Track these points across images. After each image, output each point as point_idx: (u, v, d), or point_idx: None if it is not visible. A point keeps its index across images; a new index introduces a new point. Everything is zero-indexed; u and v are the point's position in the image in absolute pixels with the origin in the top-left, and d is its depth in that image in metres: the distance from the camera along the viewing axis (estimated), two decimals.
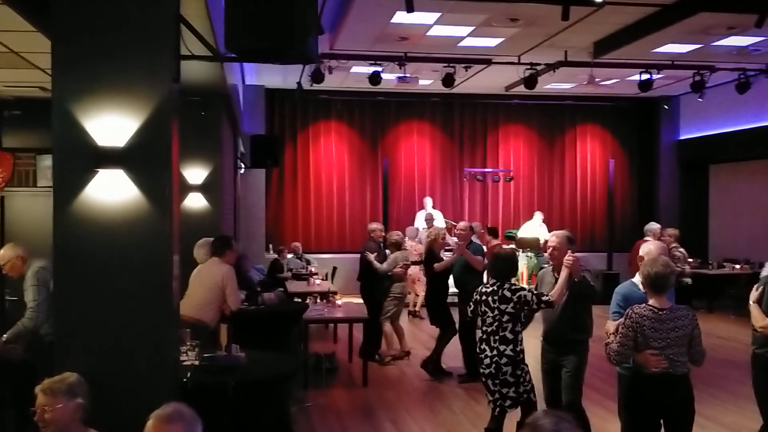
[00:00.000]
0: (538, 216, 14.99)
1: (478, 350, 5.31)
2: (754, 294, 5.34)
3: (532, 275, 14.44)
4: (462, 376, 7.98)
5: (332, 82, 12.66)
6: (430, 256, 8.34)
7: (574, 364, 5.24)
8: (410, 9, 7.76)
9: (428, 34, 10.31)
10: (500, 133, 16.44)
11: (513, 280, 5.37)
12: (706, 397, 7.32)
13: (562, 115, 16.54)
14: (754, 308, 5.24)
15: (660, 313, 4.14)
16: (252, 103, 14.35)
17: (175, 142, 4.14)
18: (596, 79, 12.93)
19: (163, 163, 4.03)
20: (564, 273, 5.05)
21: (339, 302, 8.43)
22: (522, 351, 5.15)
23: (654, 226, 9.97)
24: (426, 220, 13.19)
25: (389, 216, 14.36)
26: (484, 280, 8.43)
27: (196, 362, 4.81)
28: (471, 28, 10.08)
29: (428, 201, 14.78)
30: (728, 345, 10.10)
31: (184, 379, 4.39)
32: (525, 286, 5.33)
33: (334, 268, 12.97)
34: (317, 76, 11.42)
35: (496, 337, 5.11)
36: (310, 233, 15.52)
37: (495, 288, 5.18)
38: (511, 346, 5.09)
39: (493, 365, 5.09)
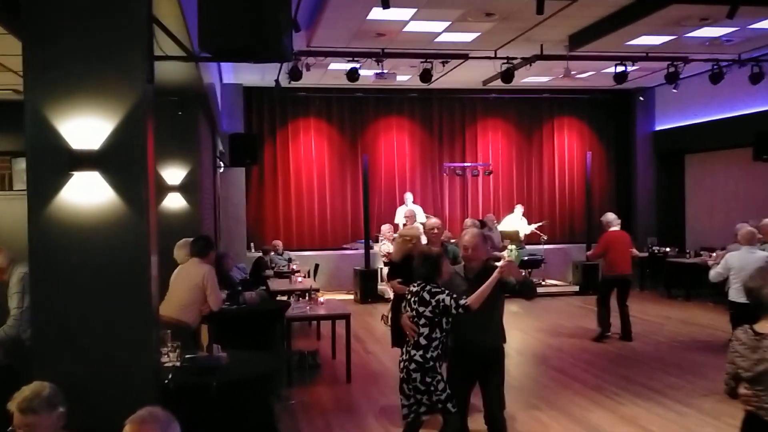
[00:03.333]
0: (519, 209, 15.12)
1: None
2: None
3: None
4: None
5: (310, 79, 12.65)
6: (404, 265, 6.33)
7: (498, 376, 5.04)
8: (386, 5, 7.78)
9: (405, 29, 10.33)
10: (479, 128, 16.52)
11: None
12: (685, 384, 7.43)
13: (540, 108, 16.65)
14: None
15: (754, 337, 3.41)
16: (230, 102, 14.30)
17: (151, 143, 4.12)
18: (572, 72, 13.03)
19: (140, 165, 4.01)
20: (493, 278, 4.69)
21: (321, 299, 8.43)
22: (433, 358, 4.74)
23: (611, 216, 10.06)
24: (406, 217, 12.46)
25: (370, 212, 14.39)
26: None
27: (178, 363, 4.79)
28: (447, 24, 10.11)
29: (408, 196, 14.81)
30: (707, 332, 10.24)
31: (166, 381, 4.38)
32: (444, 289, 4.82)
33: (316, 266, 12.96)
34: (295, 74, 11.41)
35: (410, 341, 4.83)
36: (291, 231, 15.51)
37: (418, 289, 4.83)
38: (421, 352, 4.73)
39: (404, 370, 4.81)
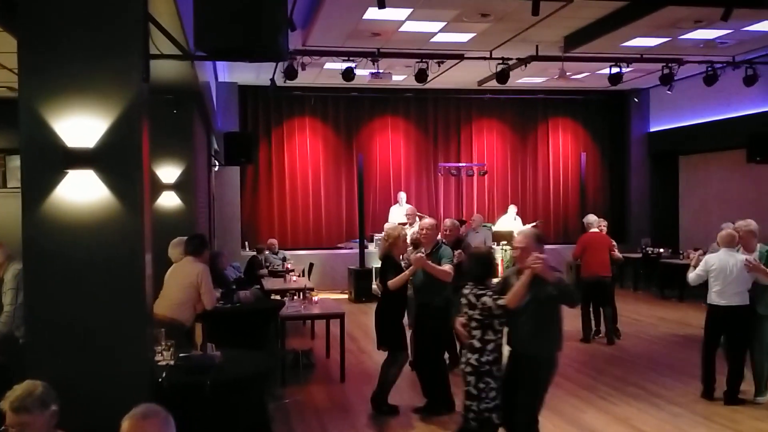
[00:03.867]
0: (512, 209, 15.14)
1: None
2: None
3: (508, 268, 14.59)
4: (420, 408, 6.59)
5: (306, 78, 12.64)
6: (387, 264, 6.60)
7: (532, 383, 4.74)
8: (382, 5, 7.78)
9: (400, 29, 10.34)
10: (473, 128, 16.54)
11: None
12: (678, 384, 7.46)
13: (534, 108, 16.68)
14: None
15: None
16: (225, 101, 14.28)
17: (145, 142, 4.12)
18: (567, 73, 13.04)
19: (134, 163, 4.01)
20: (526, 275, 4.56)
21: (315, 299, 8.43)
22: (489, 362, 4.67)
23: (592, 218, 10.05)
24: (407, 215, 12.12)
25: (365, 212, 14.39)
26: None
27: (172, 362, 4.79)
28: (443, 24, 10.13)
29: (402, 196, 14.80)
30: (700, 333, 10.23)
31: (160, 379, 4.38)
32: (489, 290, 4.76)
33: (311, 265, 12.95)
34: (290, 73, 11.39)
35: (466, 345, 4.83)
36: (286, 230, 15.51)
37: (467, 292, 4.85)
38: (476, 355, 4.69)
39: (462, 372, 4.84)
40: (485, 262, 4.90)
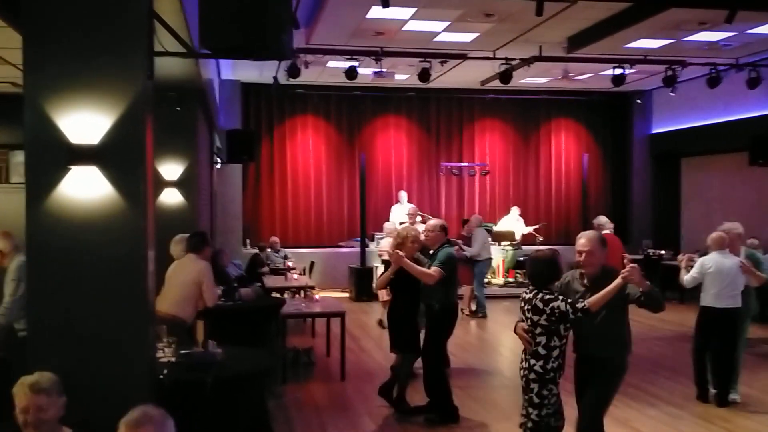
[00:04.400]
0: (515, 211, 15.16)
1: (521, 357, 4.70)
2: None
3: (510, 270, 14.59)
4: (427, 413, 6.43)
5: (308, 76, 12.65)
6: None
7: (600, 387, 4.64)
8: (386, 4, 7.78)
9: (404, 29, 10.34)
10: (476, 128, 16.54)
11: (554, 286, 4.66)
12: (679, 387, 7.46)
13: (537, 109, 16.67)
14: None
15: None
16: (228, 98, 14.29)
17: (149, 139, 4.13)
18: (570, 74, 13.06)
19: (138, 160, 4.01)
20: (618, 283, 4.35)
21: (317, 297, 8.44)
22: (554, 369, 4.50)
23: (604, 219, 10.00)
24: (409, 214, 11.92)
25: (366, 210, 14.39)
26: (459, 292, 7.81)
27: (173, 359, 4.79)
28: (446, 23, 10.13)
29: (403, 195, 14.79)
30: None
31: (161, 376, 4.38)
32: (557, 296, 4.46)
33: (312, 263, 12.97)
34: (293, 71, 11.41)
35: (530, 351, 4.55)
36: (287, 228, 15.51)
37: (530, 296, 4.54)
38: (541, 362, 4.48)
39: (523, 379, 4.59)
40: (550, 265, 4.61)
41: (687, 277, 7.07)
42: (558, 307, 4.40)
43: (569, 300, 4.43)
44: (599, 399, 4.65)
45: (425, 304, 6.42)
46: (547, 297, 4.45)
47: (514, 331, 4.67)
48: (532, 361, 4.52)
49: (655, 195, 16.66)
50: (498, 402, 6.96)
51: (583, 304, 4.37)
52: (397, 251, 6.25)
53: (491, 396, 7.27)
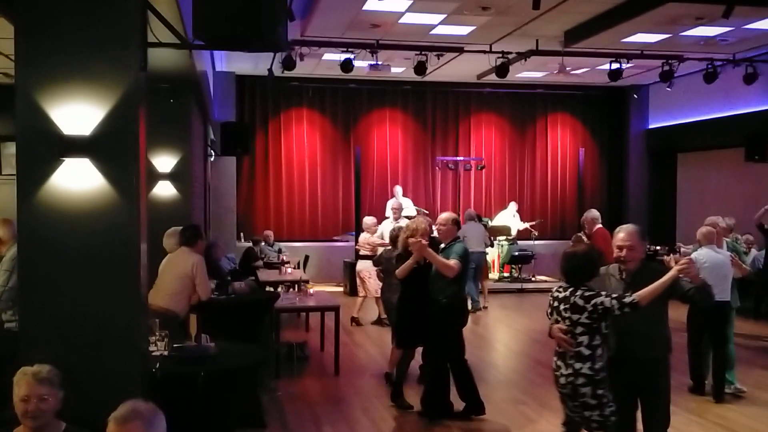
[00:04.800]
0: (512, 206, 15.13)
1: (553, 366, 4.35)
2: None
3: (505, 264, 14.59)
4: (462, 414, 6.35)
5: (304, 69, 12.59)
6: (403, 257, 6.53)
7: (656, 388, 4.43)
8: None
9: (400, 21, 10.29)
10: (472, 122, 16.51)
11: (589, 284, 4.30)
12: (672, 382, 7.41)
13: (533, 103, 16.65)
14: None
15: None
16: (222, 90, 14.20)
17: (142, 131, 4.09)
18: (567, 68, 13.00)
19: (130, 152, 3.97)
20: (671, 275, 4.08)
21: (311, 291, 8.41)
22: (603, 368, 4.18)
23: (596, 212, 10.00)
24: (393, 209, 11.45)
25: (361, 204, 14.36)
26: (467, 289, 7.43)
27: (166, 352, 4.76)
28: (443, 16, 10.08)
29: (398, 189, 14.74)
30: None
31: (153, 370, 4.36)
32: (601, 292, 4.14)
33: (306, 257, 12.94)
34: (288, 63, 11.34)
35: (571, 353, 4.19)
36: (281, 221, 15.47)
37: (567, 294, 4.23)
38: (588, 364, 4.14)
39: (569, 386, 4.21)
40: (589, 261, 4.29)
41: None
42: (602, 303, 4.08)
43: (613, 295, 4.11)
44: (662, 400, 4.47)
45: (431, 298, 6.24)
46: (588, 293, 4.14)
47: (550, 334, 4.30)
48: (578, 365, 4.15)
49: (651, 190, 16.66)
50: (492, 397, 6.94)
51: (632, 298, 4.05)
52: (421, 239, 6.14)
53: (486, 391, 7.25)
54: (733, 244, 7.50)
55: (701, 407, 6.61)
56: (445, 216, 6.57)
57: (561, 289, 4.28)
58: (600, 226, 9.67)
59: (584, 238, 9.94)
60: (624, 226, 4.44)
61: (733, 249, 7.31)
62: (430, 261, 6.20)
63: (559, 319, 4.25)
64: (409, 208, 13.87)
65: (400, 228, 7.42)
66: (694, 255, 7.00)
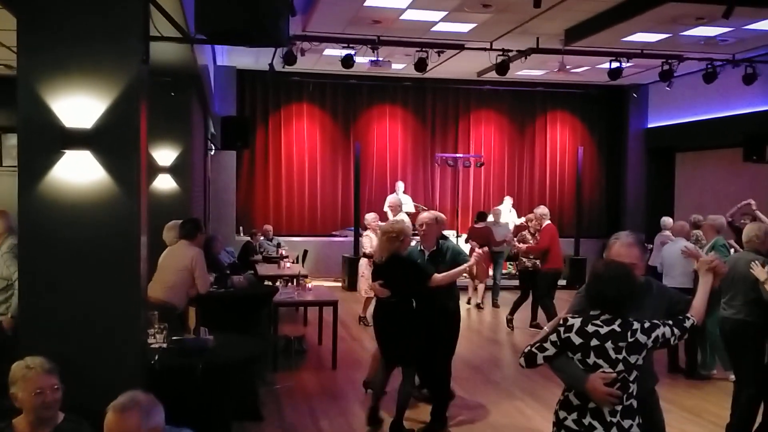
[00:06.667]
0: (508, 201, 15.13)
1: (574, 424, 3.18)
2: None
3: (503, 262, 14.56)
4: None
5: (305, 64, 12.60)
6: (399, 264, 5.72)
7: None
8: None
9: (401, 18, 10.30)
10: (472, 119, 16.52)
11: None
12: (668, 380, 7.49)
13: (533, 101, 16.66)
14: None
15: None
16: (223, 84, 14.19)
17: (143, 124, 4.11)
18: (567, 67, 13.02)
19: (131, 145, 4.00)
20: (707, 281, 3.43)
21: (309, 285, 8.43)
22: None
23: (545, 209, 10.20)
24: (390, 206, 10.96)
25: (360, 200, 14.38)
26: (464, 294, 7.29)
27: (164, 345, 4.79)
28: (444, 13, 10.09)
29: (400, 185, 14.77)
30: None
31: (152, 362, 4.39)
32: (659, 322, 3.21)
33: (305, 251, 12.96)
34: (289, 58, 11.35)
35: (617, 408, 3.11)
36: (281, 216, 15.49)
37: (616, 329, 3.13)
38: (637, 419, 3.18)
39: None
40: (632, 282, 3.23)
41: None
42: (663, 334, 3.18)
43: (669, 321, 3.24)
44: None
45: (440, 305, 5.78)
46: (647, 325, 3.15)
47: (589, 388, 3.09)
48: (627, 422, 3.13)
49: (650, 189, 16.68)
50: (493, 396, 6.97)
51: (691, 320, 3.27)
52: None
53: (486, 389, 7.29)
54: (720, 240, 7.53)
55: (698, 406, 6.64)
56: (427, 215, 5.98)
57: (600, 323, 3.16)
58: (549, 222, 9.81)
59: (528, 235, 10.07)
60: (622, 236, 3.61)
61: (716, 245, 7.29)
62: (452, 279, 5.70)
63: (598, 362, 3.12)
64: (409, 204, 13.89)
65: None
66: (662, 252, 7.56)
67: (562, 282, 14.46)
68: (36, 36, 3.90)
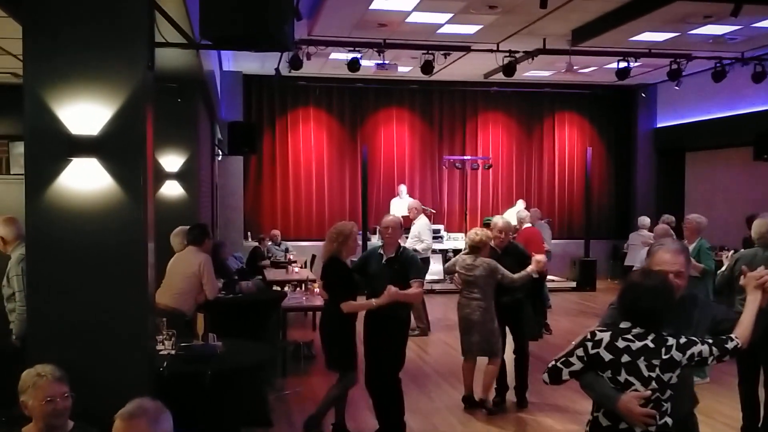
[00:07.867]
0: (520, 204, 15.04)
1: None
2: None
3: None
4: None
5: (311, 68, 12.60)
6: (333, 269, 5.96)
7: None
8: None
9: (407, 20, 10.29)
10: (479, 121, 16.48)
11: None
12: None
13: (541, 102, 16.61)
14: None
15: None
16: (229, 90, 14.21)
17: (150, 130, 4.10)
18: (574, 67, 12.98)
19: (138, 152, 3.99)
20: (756, 298, 3.08)
21: (317, 290, 8.42)
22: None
23: (525, 213, 10.18)
24: (410, 209, 10.59)
25: (368, 204, 14.36)
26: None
27: (173, 351, 4.78)
28: (450, 15, 10.07)
29: (402, 188, 14.65)
30: None
31: (161, 369, 4.37)
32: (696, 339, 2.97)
33: (313, 256, 12.93)
34: (295, 63, 11.35)
35: (650, 429, 2.91)
36: (288, 221, 15.49)
37: (650, 344, 2.91)
38: None
39: None
40: (670, 295, 2.99)
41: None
42: (699, 353, 2.93)
43: (709, 340, 2.98)
44: None
45: (390, 313, 5.61)
46: (682, 341, 2.93)
47: (622, 408, 2.88)
48: None
49: (659, 190, 16.59)
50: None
51: (735, 342, 2.98)
52: (396, 290, 5.42)
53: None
54: (703, 242, 7.44)
55: (708, 406, 6.56)
56: (390, 219, 5.80)
57: (631, 337, 2.93)
58: (528, 225, 9.77)
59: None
60: (667, 243, 3.32)
61: (701, 248, 7.24)
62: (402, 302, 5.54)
63: (629, 379, 2.91)
64: (402, 208, 13.49)
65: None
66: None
67: (571, 284, 14.55)
68: (42, 44, 3.90)
